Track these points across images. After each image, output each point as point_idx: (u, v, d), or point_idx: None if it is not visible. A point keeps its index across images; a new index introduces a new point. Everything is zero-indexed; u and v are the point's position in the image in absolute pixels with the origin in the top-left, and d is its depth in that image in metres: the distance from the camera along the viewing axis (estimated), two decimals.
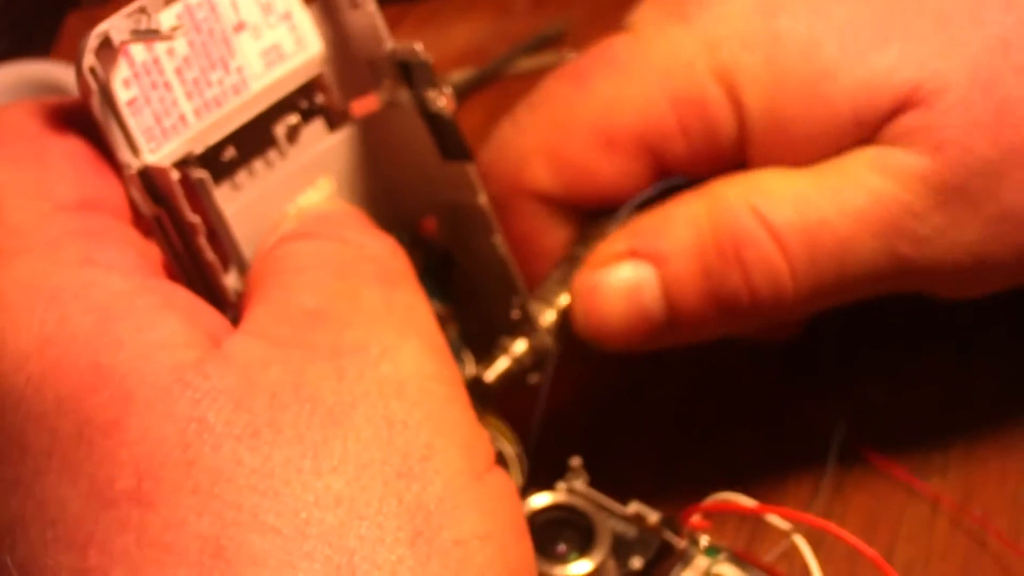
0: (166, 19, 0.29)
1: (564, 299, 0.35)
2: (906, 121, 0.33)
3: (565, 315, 0.35)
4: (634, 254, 0.34)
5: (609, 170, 0.35)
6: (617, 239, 0.34)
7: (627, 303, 0.34)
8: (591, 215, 0.37)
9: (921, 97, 0.33)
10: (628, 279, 0.34)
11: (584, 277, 0.34)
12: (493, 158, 0.37)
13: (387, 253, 0.29)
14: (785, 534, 0.32)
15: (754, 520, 0.34)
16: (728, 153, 0.35)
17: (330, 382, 0.25)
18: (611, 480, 0.34)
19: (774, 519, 0.32)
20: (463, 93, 0.52)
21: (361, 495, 0.24)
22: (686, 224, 0.34)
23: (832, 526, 0.31)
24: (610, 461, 0.35)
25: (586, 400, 0.40)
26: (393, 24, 0.56)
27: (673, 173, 0.35)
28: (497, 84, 0.53)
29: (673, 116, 0.34)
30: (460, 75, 0.53)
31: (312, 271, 0.28)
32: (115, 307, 0.26)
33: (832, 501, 0.37)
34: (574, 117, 0.35)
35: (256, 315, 0.27)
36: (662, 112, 0.34)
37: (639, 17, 0.36)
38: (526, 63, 0.53)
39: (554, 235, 0.37)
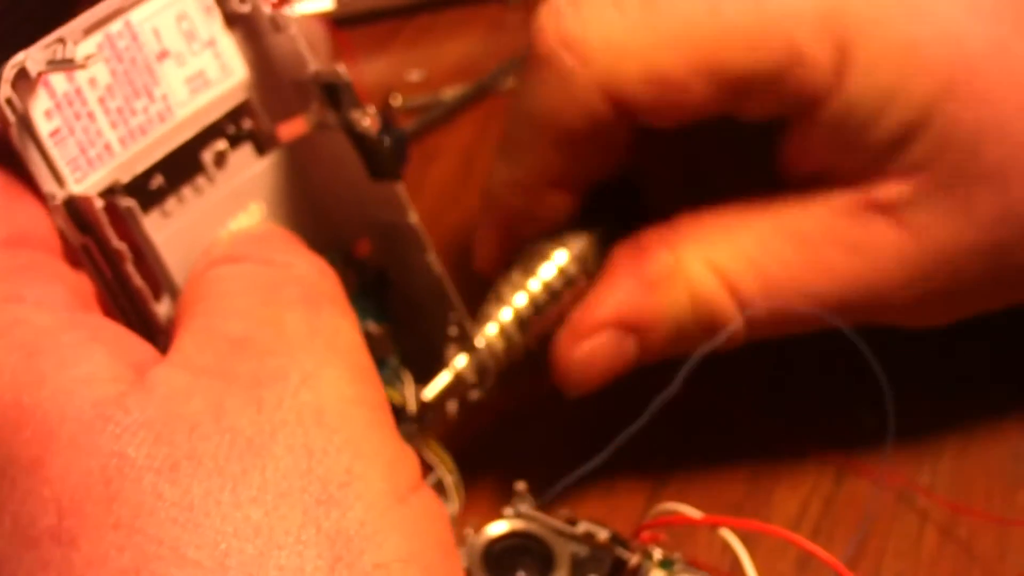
0: (86, 48, 0.29)
1: (505, 313, 0.35)
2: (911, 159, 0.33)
3: (506, 332, 0.35)
4: (620, 324, 0.36)
5: (699, 95, 0.34)
6: (600, 305, 0.36)
7: (611, 363, 0.36)
8: (531, 243, 0.37)
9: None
10: (614, 346, 0.36)
11: (571, 344, 0.36)
12: (581, 47, 0.35)
13: (314, 274, 0.29)
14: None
15: (708, 531, 0.34)
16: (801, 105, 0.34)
17: (250, 412, 0.25)
18: (557, 502, 0.35)
19: (724, 530, 0.33)
20: (455, 109, 0.52)
21: (280, 524, 0.24)
22: (669, 306, 0.35)
23: (819, 550, 0.31)
24: (555, 484, 0.34)
25: (529, 423, 0.40)
26: (385, 40, 0.56)
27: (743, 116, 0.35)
28: (489, 99, 0.52)
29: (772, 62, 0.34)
30: (453, 91, 0.52)
31: (237, 297, 0.28)
32: (40, 344, 0.26)
33: (820, 518, 0.37)
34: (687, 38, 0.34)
35: (182, 343, 0.27)
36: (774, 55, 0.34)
37: None
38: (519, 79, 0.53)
39: (552, 200, 0.37)
